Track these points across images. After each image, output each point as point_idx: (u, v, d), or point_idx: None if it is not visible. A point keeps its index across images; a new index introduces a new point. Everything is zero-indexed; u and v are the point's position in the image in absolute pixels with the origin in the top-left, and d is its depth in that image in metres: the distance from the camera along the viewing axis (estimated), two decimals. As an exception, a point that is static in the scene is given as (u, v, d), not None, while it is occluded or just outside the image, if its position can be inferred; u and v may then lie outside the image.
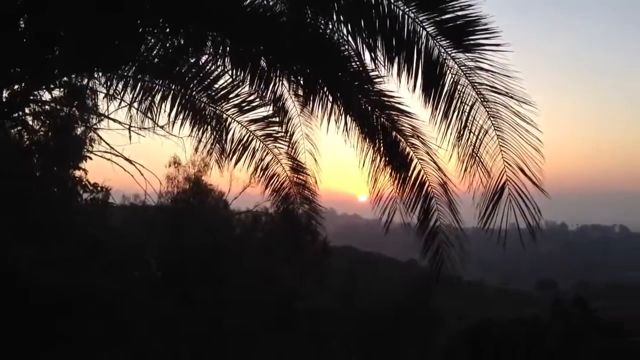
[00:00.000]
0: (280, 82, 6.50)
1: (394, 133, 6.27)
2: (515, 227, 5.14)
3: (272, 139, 7.75)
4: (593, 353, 20.83)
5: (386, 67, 5.37)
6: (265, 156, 7.88)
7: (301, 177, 8.06)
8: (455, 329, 24.44)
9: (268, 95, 6.81)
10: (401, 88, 5.61)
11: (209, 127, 7.42)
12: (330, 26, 5.46)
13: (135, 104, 7.20)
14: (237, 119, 7.45)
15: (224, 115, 7.40)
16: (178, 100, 7.10)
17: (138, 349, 16.13)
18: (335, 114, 6.22)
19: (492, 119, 5.19)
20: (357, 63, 5.62)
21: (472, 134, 5.30)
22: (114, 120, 9.82)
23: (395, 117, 6.16)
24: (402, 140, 6.30)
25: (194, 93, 7.12)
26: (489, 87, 5.07)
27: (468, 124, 5.29)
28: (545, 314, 23.53)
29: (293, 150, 7.84)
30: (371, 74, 5.77)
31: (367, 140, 6.41)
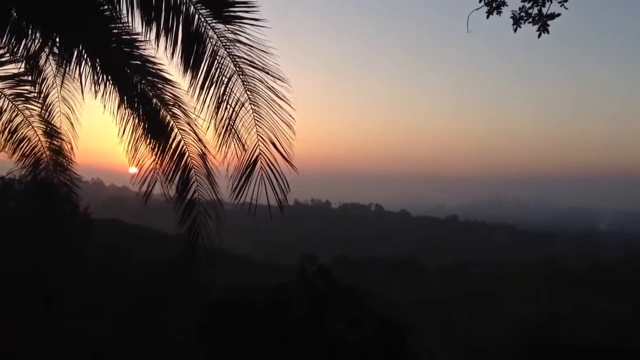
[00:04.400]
0: (35, 39, 6.01)
1: (155, 101, 6.14)
2: (276, 202, 5.32)
3: (23, 99, 7.22)
4: (334, 315, 22.68)
5: (144, 30, 5.23)
6: (15, 117, 7.33)
7: (55, 142, 7.60)
8: (205, 300, 24.89)
9: (20, 51, 6.25)
10: (161, 55, 5.50)
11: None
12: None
13: None
14: (-19, 75, 6.77)
15: (-35, 70, 6.68)
16: None
17: None
18: (94, 77, 5.90)
19: (248, 92, 5.28)
20: (117, 24, 5.39)
21: (229, 106, 5.35)
22: None
23: (157, 85, 6.03)
24: (163, 108, 6.19)
25: None
26: (246, 61, 5.15)
27: (225, 96, 5.33)
28: (292, 283, 24.99)
29: (47, 113, 7.37)
30: (133, 37, 5.57)
31: (127, 107, 6.19)
